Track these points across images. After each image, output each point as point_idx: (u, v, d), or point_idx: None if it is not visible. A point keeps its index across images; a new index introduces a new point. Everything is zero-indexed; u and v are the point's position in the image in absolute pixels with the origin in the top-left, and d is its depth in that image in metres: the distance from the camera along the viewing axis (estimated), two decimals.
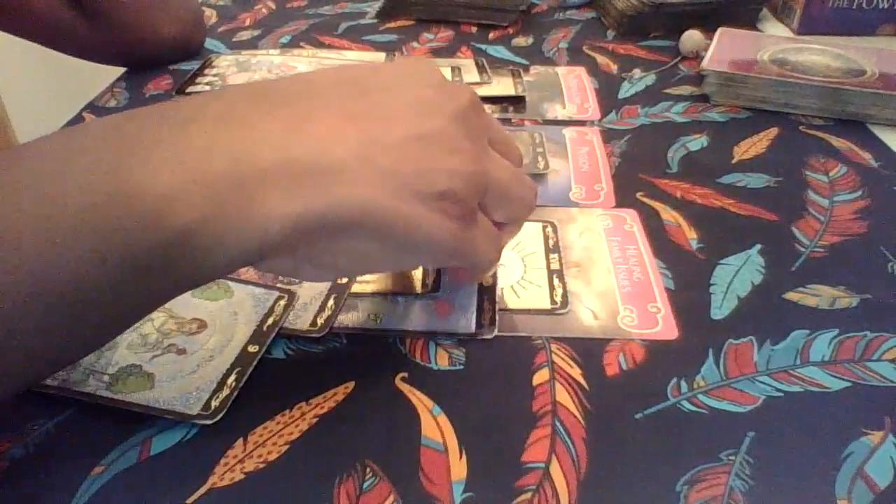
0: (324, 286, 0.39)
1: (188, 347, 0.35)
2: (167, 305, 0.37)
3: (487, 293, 0.39)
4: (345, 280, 0.39)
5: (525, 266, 0.42)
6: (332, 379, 0.34)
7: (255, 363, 0.34)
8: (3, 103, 1.48)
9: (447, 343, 0.37)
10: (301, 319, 0.37)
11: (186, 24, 0.71)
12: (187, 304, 0.38)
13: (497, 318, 0.38)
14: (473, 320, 0.38)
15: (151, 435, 0.32)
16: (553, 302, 0.39)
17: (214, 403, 0.32)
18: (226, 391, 0.33)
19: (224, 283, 0.39)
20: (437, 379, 0.35)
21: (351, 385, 0.34)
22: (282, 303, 0.38)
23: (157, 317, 0.37)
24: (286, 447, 0.31)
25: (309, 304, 0.38)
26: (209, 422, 0.32)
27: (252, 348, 0.35)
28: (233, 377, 0.34)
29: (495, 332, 0.37)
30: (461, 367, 0.35)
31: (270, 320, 0.37)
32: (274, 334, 0.36)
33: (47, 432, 0.32)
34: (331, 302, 0.38)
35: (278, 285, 0.39)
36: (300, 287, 0.39)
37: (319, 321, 0.37)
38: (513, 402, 0.33)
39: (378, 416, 0.33)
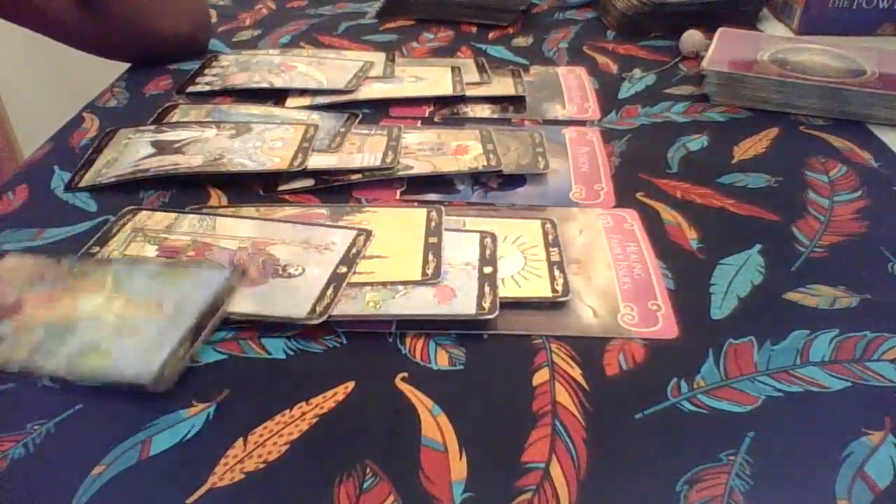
0: (323, 276, 0.40)
1: (144, 326, 0.36)
2: (127, 290, 0.39)
3: (488, 280, 0.39)
4: (343, 269, 0.40)
5: (525, 258, 0.42)
6: (332, 379, 0.34)
7: (207, 332, 0.36)
8: (2, 103, 1.48)
9: (447, 343, 0.37)
10: (300, 308, 0.37)
11: (191, 22, 0.71)
12: (147, 288, 0.39)
13: (498, 302, 0.38)
14: (474, 304, 0.38)
15: (151, 435, 0.32)
16: (554, 291, 0.39)
17: (167, 371, 0.34)
18: (177, 358, 0.35)
19: (182, 267, 0.40)
20: (437, 379, 0.35)
21: (351, 385, 0.34)
22: (233, 280, 0.39)
23: (117, 300, 0.38)
24: (286, 447, 0.31)
25: (307, 293, 0.38)
26: (163, 388, 0.33)
27: (204, 321, 0.37)
28: (185, 347, 0.35)
29: (496, 314, 0.37)
30: (461, 367, 0.35)
31: (223, 295, 0.38)
32: (226, 304, 0.38)
33: (47, 432, 0.32)
34: (329, 290, 0.38)
35: (229, 264, 0.41)
36: (300, 276, 0.40)
37: (318, 308, 0.37)
38: (513, 402, 0.33)
39: (378, 416, 0.33)
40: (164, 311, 0.37)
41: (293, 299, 0.38)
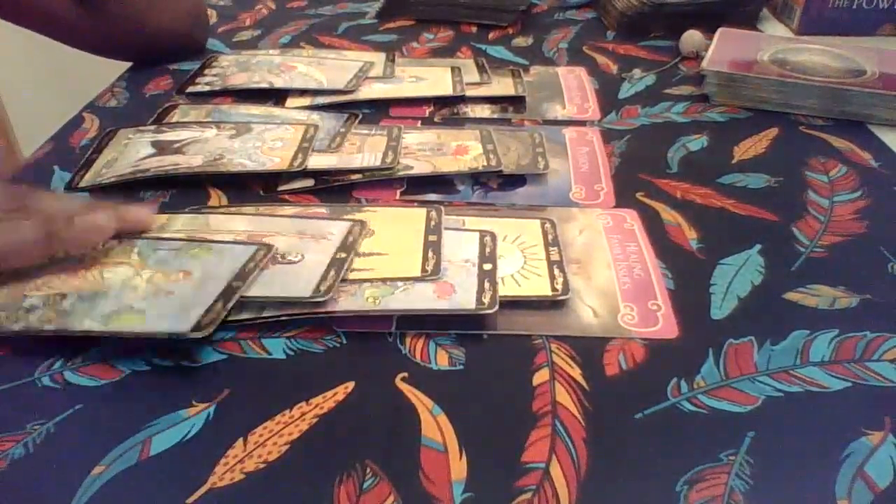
0: (323, 259, 0.40)
1: (176, 290, 0.38)
2: (153, 263, 0.40)
3: (488, 276, 0.40)
4: (343, 255, 0.40)
5: (525, 257, 0.42)
6: (332, 379, 0.34)
7: (238, 295, 0.37)
8: (2, 103, 1.48)
9: (447, 343, 0.37)
10: (304, 289, 0.38)
11: (188, 19, 0.71)
12: (172, 261, 0.40)
13: (497, 298, 0.38)
14: (474, 300, 0.38)
15: (151, 435, 0.32)
16: (554, 290, 0.39)
17: (204, 321, 0.35)
18: (213, 314, 0.36)
19: (206, 245, 0.41)
20: (437, 379, 0.35)
21: (351, 385, 0.34)
22: (261, 253, 0.40)
23: (145, 272, 0.39)
24: (286, 447, 0.31)
25: (310, 275, 0.39)
26: (200, 334, 0.34)
27: (236, 284, 0.38)
28: (220, 303, 0.36)
29: (496, 309, 0.37)
30: (461, 367, 0.35)
31: (252, 264, 0.39)
32: (256, 275, 0.39)
33: (47, 432, 0.32)
34: (331, 272, 0.39)
35: (256, 241, 0.42)
36: (300, 263, 0.40)
37: (322, 288, 0.38)
38: (513, 402, 0.33)
39: (378, 416, 0.33)
40: (195, 277, 0.38)
41: (296, 282, 0.38)
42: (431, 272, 0.40)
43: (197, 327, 0.35)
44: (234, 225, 0.44)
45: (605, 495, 0.29)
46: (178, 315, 0.36)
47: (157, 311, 0.36)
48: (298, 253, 0.41)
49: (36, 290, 0.38)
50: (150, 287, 0.38)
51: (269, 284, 0.39)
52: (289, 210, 0.46)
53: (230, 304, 0.36)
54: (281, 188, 0.49)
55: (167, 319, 0.36)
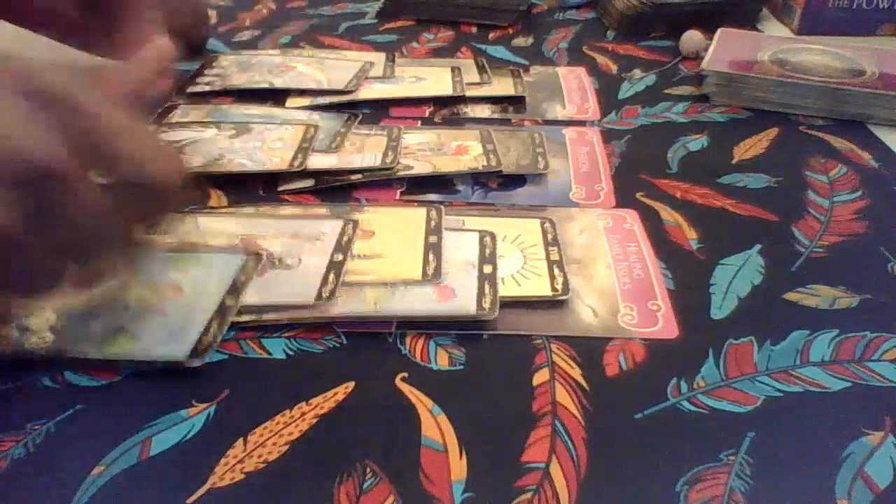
0: (321, 262, 0.40)
1: (168, 309, 0.37)
2: (137, 275, 0.39)
3: (488, 279, 0.40)
4: (340, 257, 0.40)
5: (525, 257, 0.42)
6: (332, 379, 0.34)
7: (233, 313, 0.37)
8: None
9: (447, 343, 0.37)
10: (306, 294, 0.38)
11: (186, 19, 0.71)
12: (161, 273, 0.40)
13: (498, 302, 0.38)
14: (474, 303, 0.38)
15: (151, 435, 0.32)
16: (554, 290, 0.39)
17: (201, 347, 0.35)
18: (210, 337, 0.35)
19: (193, 254, 0.41)
20: (437, 379, 0.35)
21: (351, 385, 0.34)
22: (251, 263, 0.40)
23: (134, 288, 0.39)
24: (286, 447, 0.31)
25: (309, 280, 0.39)
26: (198, 362, 0.34)
27: (229, 301, 0.37)
28: (215, 325, 0.36)
29: (496, 314, 0.37)
30: (461, 367, 0.35)
31: (243, 277, 0.39)
32: (247, 288, 0.38)
33: (47, 432, 0.32)
34: (331, 276, 0.39)
35: (246, 248, 0.41)
36: (297, 266, 0.40)
37: (325, 293, 0.38)
38: (513, 402, 0.33)
39: (378, 416, 0.33)
40: (185, 293, 0.38)
41: (297, 287, 0.38)
42: (432, 276, 0.40)
43: (194, 352, 0.35)
44: (224, 227, 0.44)
45: (605, 495, 0.29)
46: (174, 338, 0.35)
47: (150, 335, 0.36)
48: (295, 256, 0.41)
49: (20, 305, 0.37)
50: (139, 305, 0.37)
51: (269, 290, 0.38)
52: (288, 210, 0.46)
53: (226, 326, 0.36)
54: (281, 188, 0.49)
55: (163, 344, 0.35)
